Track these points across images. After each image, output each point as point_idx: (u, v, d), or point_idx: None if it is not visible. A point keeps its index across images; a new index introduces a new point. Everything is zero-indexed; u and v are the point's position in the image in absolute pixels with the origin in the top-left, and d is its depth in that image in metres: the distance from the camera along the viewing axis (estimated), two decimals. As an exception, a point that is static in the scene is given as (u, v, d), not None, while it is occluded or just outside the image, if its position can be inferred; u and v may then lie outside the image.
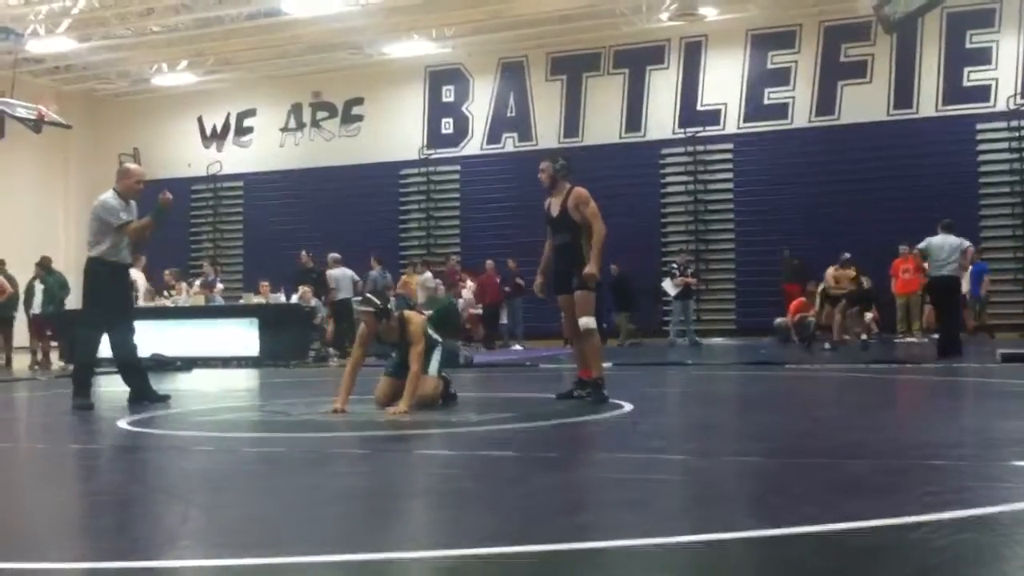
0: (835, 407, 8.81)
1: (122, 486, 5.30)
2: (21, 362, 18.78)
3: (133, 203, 9.27)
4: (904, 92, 22.82)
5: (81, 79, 27.80)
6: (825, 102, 23.45)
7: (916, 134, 22.29)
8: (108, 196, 9.18)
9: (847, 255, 17.76)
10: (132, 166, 9.73)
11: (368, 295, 8.86)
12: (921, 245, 14.17)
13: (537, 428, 7.12)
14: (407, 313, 8.32)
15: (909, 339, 15.34)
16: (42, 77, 26.41)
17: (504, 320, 21.82)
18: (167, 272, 19.86)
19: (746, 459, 5.55)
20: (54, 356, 18.64)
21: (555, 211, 8.64)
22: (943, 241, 13.88)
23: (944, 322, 14.21)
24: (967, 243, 14.35)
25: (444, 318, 15.34)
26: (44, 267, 18.62)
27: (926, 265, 14.31)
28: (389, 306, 8.35)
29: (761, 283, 22.35)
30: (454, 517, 4.24)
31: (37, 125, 21.73)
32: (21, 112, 21.39)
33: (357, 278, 19.70)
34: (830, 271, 17.44)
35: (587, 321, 8.40)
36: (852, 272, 17.34)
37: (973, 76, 22.38)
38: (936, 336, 14.48)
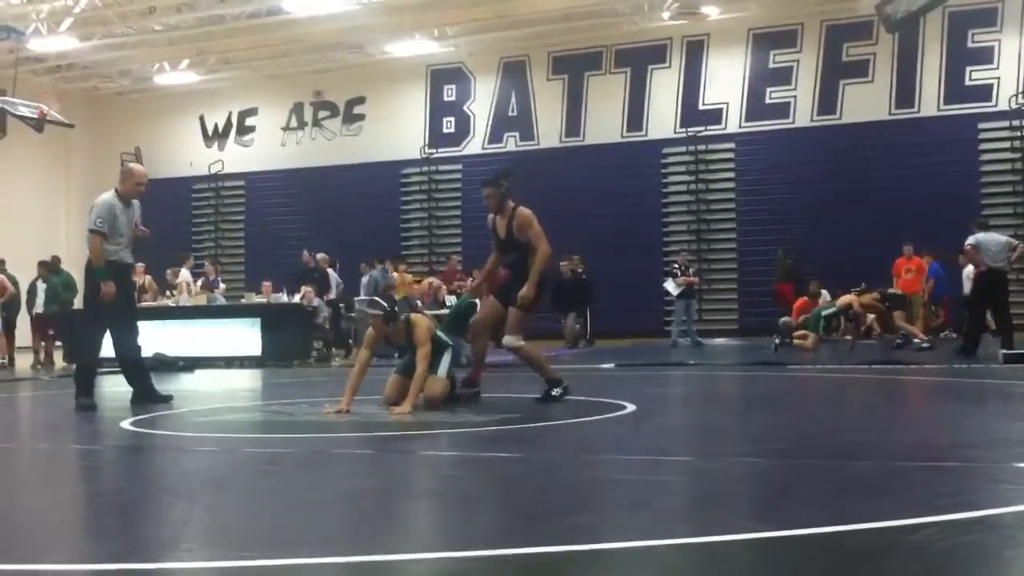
0: (838, 408, 8.81)
1: (125, 487, 5.30)
2: (23, 362, 18.78)
3: (135, 203, 9.23)
4: (906, 91, 22.81)
5: (83, 78, 27.81)
6: (827, 101, 23.44)
7: (918, 133, 22.28)
8: (105, 196, 9.14)
9: (863, 284, 17.46)
10: (135, 167, 9.66)
11: (376, 298, 8.89)
12: (971, 241, 14.15)
13: (540, 429, 7.13)
14: (414, 316, 8.34)
15: (914, 340, 15.30)
16: (44, 76, 26.42)
17: None
18: (169, 271, 19.86)
19: (749, 460, 5.55)
20: (57, 356, 18.64)
21: (502, 232, 8.70)
22: (991, 237, 14.08)
23: (999, 316, 14.41)
24: (1015, 241, 14.59)
25: (462, 316, 15.24)
26: (48, 267, 18.64)
27: (972, 262, 14.45)
28: (396, 309, 8.38)
29: (763, 283, 22.33)
30: (458, 518, 4.24)
31: (39, 124, 21.75)
32: (23, 111, 21.42)
33: (340, 280, 19.79)
34: (850, 298, 16.96)
35: (511, 340, 8.50)
36: (874, 294, 17.12)
37: (975, 75, 22.36)
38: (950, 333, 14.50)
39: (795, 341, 17.31)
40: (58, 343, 18.62)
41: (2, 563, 3.53)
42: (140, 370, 9.37)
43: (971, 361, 12.78)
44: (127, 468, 6.12)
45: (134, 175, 9.29)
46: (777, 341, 16.83)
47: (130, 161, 29.02)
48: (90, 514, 4.60)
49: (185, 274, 19.47)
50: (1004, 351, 12.82)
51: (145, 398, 9.16)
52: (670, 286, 20.19)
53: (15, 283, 18.88)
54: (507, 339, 8.49)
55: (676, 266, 20.41)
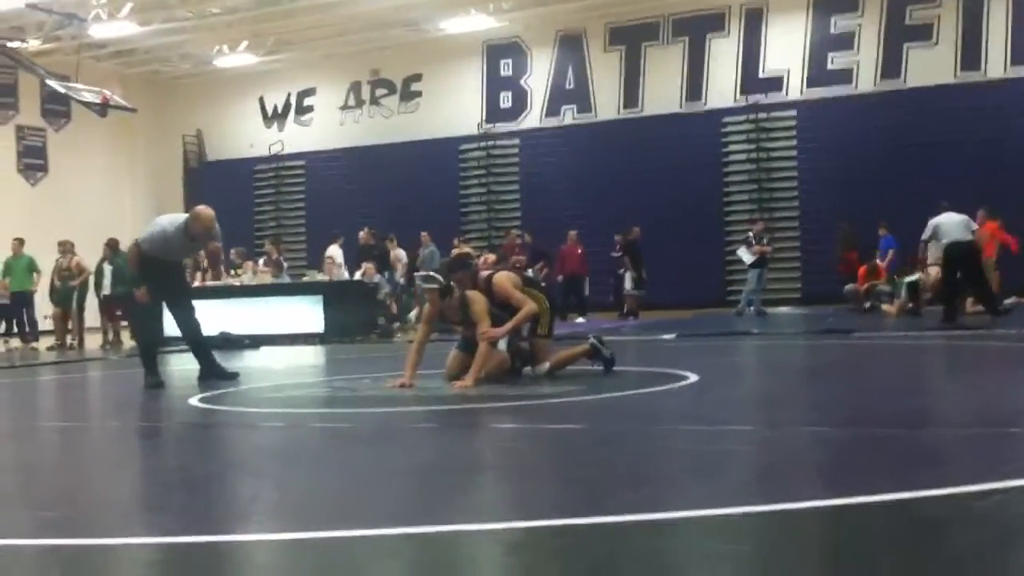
0: (902, 375, 8.71)
1: (194, 463, 5.40)
2: (92, 342, 19.16)
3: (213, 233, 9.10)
4: (972, 54, 22.34)
5: (144, 62, 28.13)
6: (890, 65, 23.02)
7: (984, 96, 21.83)
8: (168, 227, 8.97)
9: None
10: (201, 210, 9.02)
11: (432, 273, 8.92)
12: (926, 233, 14.50)
13: (602, 400, 7.13)
14: (469, 293, 8.34)
15: (978, 308, 15.08)
16: (105, 61, 26.76)
17: (587, 292, 21.56)
18: (233, 251, 20.11)
19: (813, 429, 5.51)
20: (125, 336, 18.97)
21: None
22: (949, 217, 14.35)
23: (975, 288, 14.67)
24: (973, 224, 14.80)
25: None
26: (112, 248, 18.93)
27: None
28: (451, 284, 8.39)
29: (826, 251, 22.04)
30: (521, 489, 4.26)
31: (102, 109, 22.08)
32: (86, 96, 21.75)
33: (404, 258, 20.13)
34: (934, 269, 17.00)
35: (543, 368, 8.45)
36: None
37: (1042, 35, 21.85)
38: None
39: (883, 307, 17.81)
40: (124, 323, 18.94)
41: (76, 538, 3.62)
42: (203, 348, 9.50)
43: (962, 327, 12.84)
44: (196, 444, 6.22)
45: (200, 219, 8.88)
46: (867, 305, 17.78)
47: (192, 144, 29.50)
48: (160, 490, 4.69)
49: (336, 251, 19.93)
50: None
51: (211, 375, 9.30)
52: (744, 254, 20.01)
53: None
54: (540, 368, 8.44)
55: (751, 234, 20.23)
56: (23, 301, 19.15)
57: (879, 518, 3.42)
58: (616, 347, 8.99)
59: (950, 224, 14.22)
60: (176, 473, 5.15)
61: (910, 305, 17.24)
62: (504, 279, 8.47)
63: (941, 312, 14.30)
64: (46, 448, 6.34)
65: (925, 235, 14.53)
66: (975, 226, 14.79)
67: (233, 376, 9.37)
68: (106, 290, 18.87)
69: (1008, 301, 16.23)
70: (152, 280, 9.07)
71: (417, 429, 6.28)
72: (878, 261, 19.55)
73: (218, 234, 9.22)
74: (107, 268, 18.86)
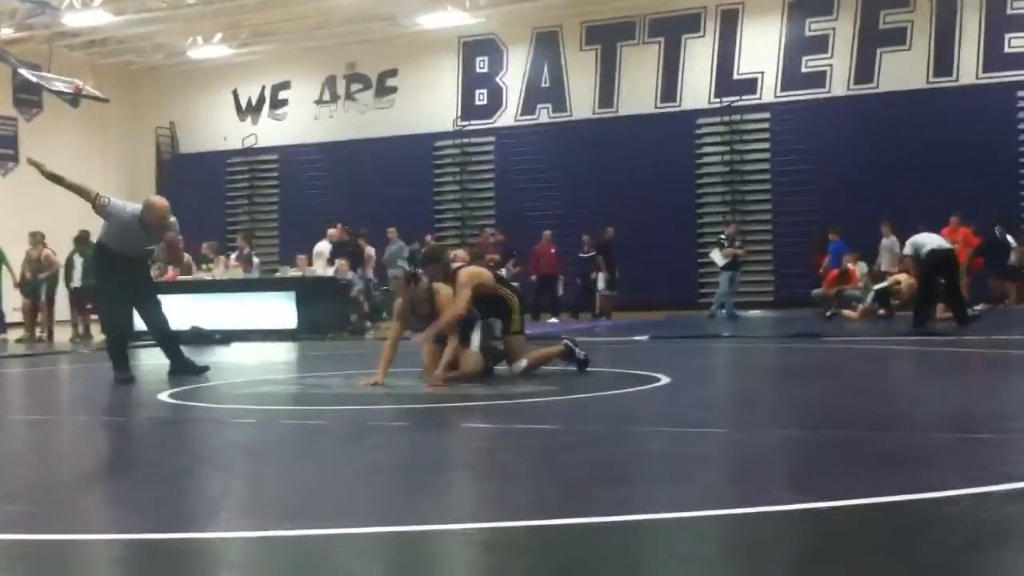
0: (875, 379, 8.75)
1: (163, 458, 5.35)
2: (62, 335, 18.99)
3: (170, 227, 9.13)
4: (944, 59, 22.52)
5: (117, 52, 27.93)
6: (864, 70, 23.18)
7: (956, 102, 22.00)
8: (126, 209, 8.94)
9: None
10: (155, 200, 8.99)
11: (400, 263, 8.92)
12: (908, 249, 14.70)
13: (576, 401, 7.12)
14: (436, 284, 8.31)
15: (947, 314, 15.20)
16: (78, 51, 26.56)
17: (560, 292, 21.53)
18: (205, 245, 19.98)
19: (786, 432, 5.53)
20: (95, 330, 18.81)
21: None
22: (928, 235, 14.68)
23: (948, 296, 14.73)
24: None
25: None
26: (82, 241, 18.78)
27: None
28: (419, 271, 8.36)
29: (798, 255, 22.19)
30: (494, 490, 4.25)
31: (75, 99, 21.92)
32: (58, 86, 21.56)
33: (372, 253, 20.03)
34: (903, 276, 17.16)
35: (519, 366, 8.41)
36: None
37: (1015, 43, 22.04)
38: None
39: (845, 312, 17.82)
40: (94, 316, 18.79)
41: (43, 533, 3.57)
42: (172, 343, 9.42)
43: (1007, 333, 12.73)
44: (164, 440, 6.17)
45: (154, 209, 8.79)
46: (828, 313, 17.52)
47: (164, 136, 29.28)
48: (128, 486, 4.64)
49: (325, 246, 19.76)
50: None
51: (181, 370, 9.23)
52: (716, 257, 20.07)
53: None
54: (517, 366, 8.40)
55: (723, 237, 20.28)
56: None
57: (852, 521, 3.42)
58: (588, 348, 8.99)
59: (930, 236, 14.58)
60: (144, 469, 5.10)
61: (881, 312, 17.40)
62: (468, 274, 8.42)
63: (912, 316, 14.39)
64: (11, 442, 6.27)
65: (907, 251, 14.74)
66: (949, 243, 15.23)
67: (203, 371, 9.30)
68: (76, 282, 18.71)
69: (978, 307, 16.35)
70: (116, 276, 8.99)
71: (390, 427, 6.25)
72: (830, 265, 19.78)
73: (174, 225, 9.16)
74: (77, 260, 18.70)
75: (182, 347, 9.57)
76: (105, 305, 9.51)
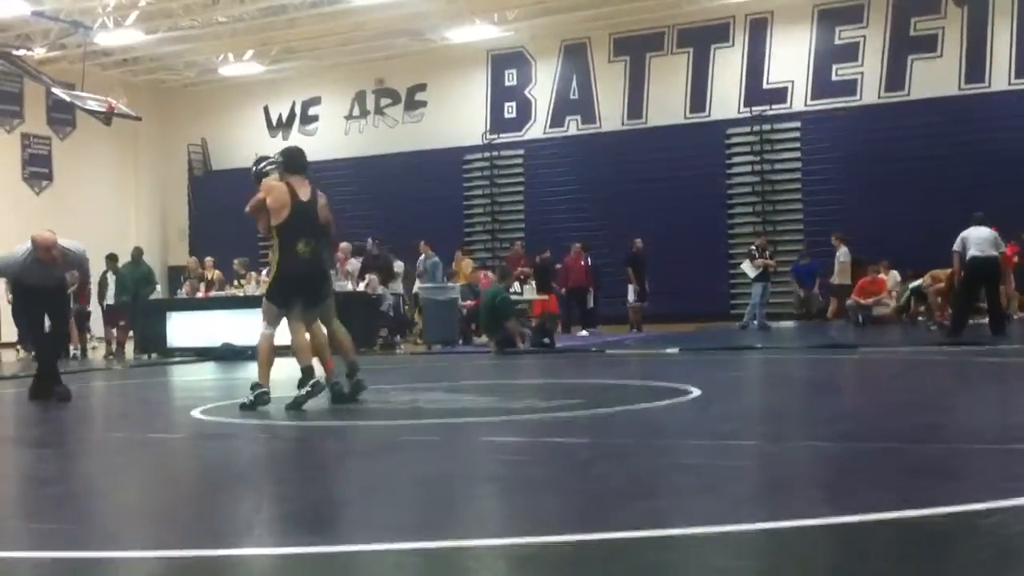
0: (909, 390, 8.68)
1: (198, 474, 5.39)
2: (95, 352, 19.15)
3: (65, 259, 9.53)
4: (976, 66, 22.36)
5: (149, 71, 28.22)
6: (895, 77, 23.05)
7: (988, 108, 21.83)
8: (15, 254, 9.51)
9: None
10: (36, 236, 9.46)
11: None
12: (957, 246, 14.26)
13: (604, 414, 7.11)
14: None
15: (980, 320, 15.04)
16: (111, 69, 26.84)
17: (591, 304, 21.42)
18: (236, 261, 20.10)
19: (818, 444, 5.49)
20: (129, 346, 18.97)
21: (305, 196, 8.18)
22: (978, 231, 14.20)
23: (988, 303, 14.47)
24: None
25: (496, 309, 15.20)
26: (114, 259, 19.10)
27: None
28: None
29: (831, 264, 22.04)
30: (524, 504, 4.25)
31: (107, 117, 22.10)
32: (91, 104, 21.78)
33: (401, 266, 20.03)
34: (937, 273, 17.17)
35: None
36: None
37: (1047, 48, 21.85)
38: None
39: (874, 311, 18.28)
40: (130, 334, 18.94)
41: (78, 551, 3.60)
42: (49, 365, 9.77)
43: (966, 342, 12.72)
44: (200, 456, 6.21)
45: (37, 245, 9.28)
46: (860, 320, 17.92)
47: (196, 153, 29.56)
48: (164, 502, 4.68)
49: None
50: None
51: (43, 393, 9.48)
52: (748, 268, 20.01)
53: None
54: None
55: (754, 248, 20.23)
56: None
57: (884, 535, 3.40)
58: (619, 360, 8.97)
59: (977, 238, 14.09)
60: (180, 485, 5.13)
61: (921, 309, 17.49)
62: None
63: (948, 324, 14.23)
64: (48, 460, 6.32)
65: (955, 246, 14.26)
66: (1003, 245, 14.72)
67: (63, 398, 9.44)
68: (109, 300, 18.91)
69: (1018, 316, 16.27)
70: (30, 301, 9.54)
71: (420, 442, 6.26)
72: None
73: (75, 260, 9.64)
74: (110, 278, 18.93)
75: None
76: (31, 331, 10.18)
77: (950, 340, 13.15)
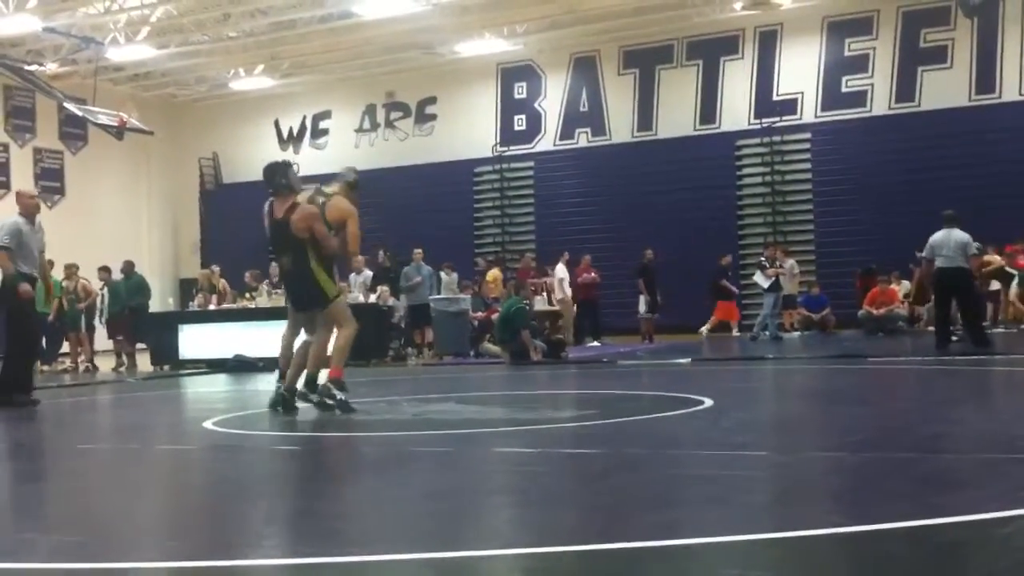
0: (920, 399, 8.66)
1: (211, 486, 5.39)
2: (104, 365, 19.20)
3: (40, 227, 10.01)
4: (986, 77, 22.32)
5: (160, 85, 28.32)
6: (905, 89, 23.02)
7: (999, 119, 21.78)
8: (11, 218, 9.87)
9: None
10: (18, 189, 10.52)
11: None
12: (925, 252, 13.64)
13: (618, 425, 7.10)
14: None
15: (995, 330, 14.93)
16: (123, 84, 26.95)
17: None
18: (248, 273, 20.14)
19: (831, 454, 5.48)
20: (139, 358, 19.00)
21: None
22: (948, 236, 13.33)
23: (963, 314, 13.82)
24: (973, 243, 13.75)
25: (511, 319, 15.25)
26: (107, 272, 19.28)
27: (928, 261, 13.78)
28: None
29: (842, 275, 21.99)
30: (539, 515, 4.25)
31: (119, 132, 22.18)
32: (103, 119, 21.86)
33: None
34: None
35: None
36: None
37: (1057, 58, 21.81)
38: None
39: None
40: (141, 345, 18.98)
41: (91, 562, 3.61)
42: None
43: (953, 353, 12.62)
44: (212, 468, 6.22)
45: (20, 195, 10.13)
46: (881, 334, 18.04)
47: (208, 167, 29.67)
48: (176, 513, 4.69)
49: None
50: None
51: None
52: (760, 279, 20.00)
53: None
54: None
55: (764, 259, 20.22)
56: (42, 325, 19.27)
57: (897, 545, 3.39)
58: (631, 371, 8.96)
59: (943, 245, 13.29)
60: (192, 497, 5.14)
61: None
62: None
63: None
64: (63, 472, 6.34)
65: (925, 252, 13.68)
66: (974, 249, 13.85)
67: (27, 404, 9.62)
68: (105, 312, 19.10)
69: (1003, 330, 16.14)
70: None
71: (433, 453, 6.26)
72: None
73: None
74: (104, 291, 19.17)
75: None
76: (20, 335, 10.31)
77: (937, 353, 12.84)
